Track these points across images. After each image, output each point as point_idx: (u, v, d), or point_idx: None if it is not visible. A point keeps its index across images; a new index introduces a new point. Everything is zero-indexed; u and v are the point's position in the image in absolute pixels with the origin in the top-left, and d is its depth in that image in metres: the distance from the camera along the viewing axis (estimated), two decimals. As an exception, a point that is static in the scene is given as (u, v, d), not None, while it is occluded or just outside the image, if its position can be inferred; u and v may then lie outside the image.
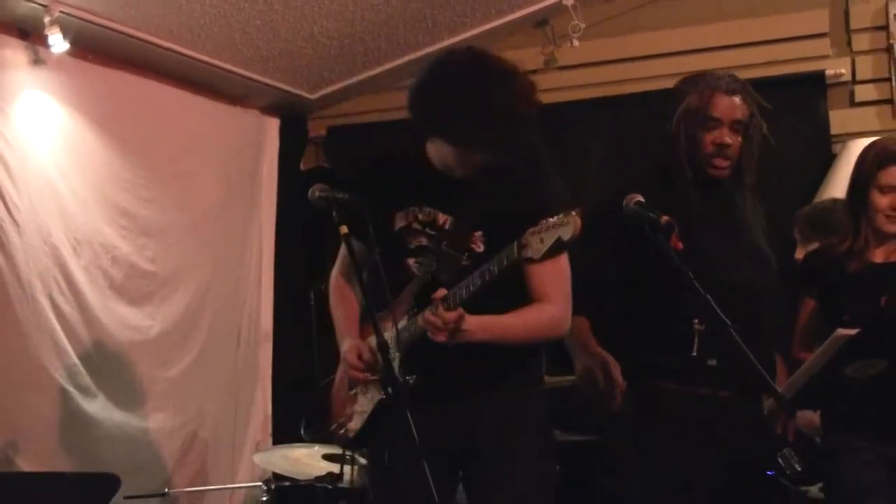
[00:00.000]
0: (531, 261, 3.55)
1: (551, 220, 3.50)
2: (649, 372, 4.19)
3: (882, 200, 4.39)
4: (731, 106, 4.25)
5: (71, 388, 5.49)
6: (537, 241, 3.52)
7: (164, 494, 5.75)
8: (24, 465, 5.13)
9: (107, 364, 5.75)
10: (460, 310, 3.61)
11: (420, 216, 3.95)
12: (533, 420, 4.09)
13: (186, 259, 6.41)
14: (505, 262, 3.57)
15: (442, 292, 3.64)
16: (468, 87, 3.74)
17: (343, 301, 4.19)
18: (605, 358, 4.15)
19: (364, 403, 4.00)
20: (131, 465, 5.69)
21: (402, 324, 3.81)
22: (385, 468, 3.92)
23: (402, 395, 3.53)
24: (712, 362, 4.02)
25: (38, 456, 5.24)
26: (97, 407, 5.65)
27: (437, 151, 3.93)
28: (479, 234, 3.88)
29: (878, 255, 4.42)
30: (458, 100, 3.74)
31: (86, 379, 5.58)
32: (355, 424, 4.02)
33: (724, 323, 3.56)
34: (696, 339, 4.04)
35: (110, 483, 4.58)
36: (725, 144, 4.21)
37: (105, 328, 5.75)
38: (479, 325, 3.71)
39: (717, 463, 4.08)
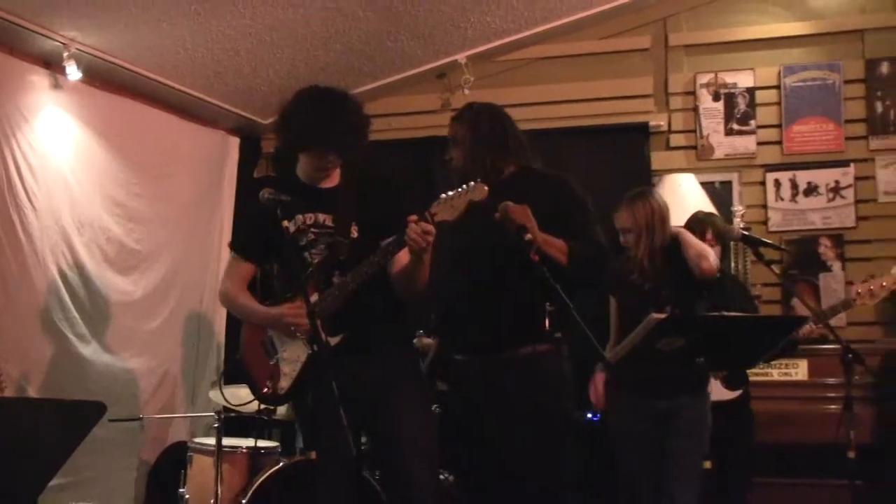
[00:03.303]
0: (448, 223, 3.64)
1: (461, 189, 3.64)
2: None
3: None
4: None
5: (71, 336, 5.50)
6: (448, 208, 3.65)
7: (139, 419, 5.72)
8: (33, 392, 5.10)
9: (99, 318, 5.75)
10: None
11: (306, 220, 3.97)
12: (418, 371, 4.19)
13: (164, 241, 6.38)
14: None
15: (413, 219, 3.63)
16: (319, 109, 3.88)
17: (246, 297, 4.11)
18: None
19: (290, 366, 3.95)
20: (115, 396, 5.66)
21: (314, 298, 3.79)
22: (308, 412, 3.98)
23: (324, 351, 3.52)
24: (558, 335, 3.94)
25: (44, 385, 5.24)
26: (90, 351, 5.64)
27: (304, 165, 4.02)
28: (353, 225, 3.94)
29: None
30: (313, 117, 3.86)
31: (83, 329, 5.58)
32: (286, 383, 3.94)
33: (568, 306, 3.57)
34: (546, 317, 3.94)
35: (98, 409, 4.56)
36: None
37: (99, 291, 5.74)
38: None
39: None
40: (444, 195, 3.70)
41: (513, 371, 3.94)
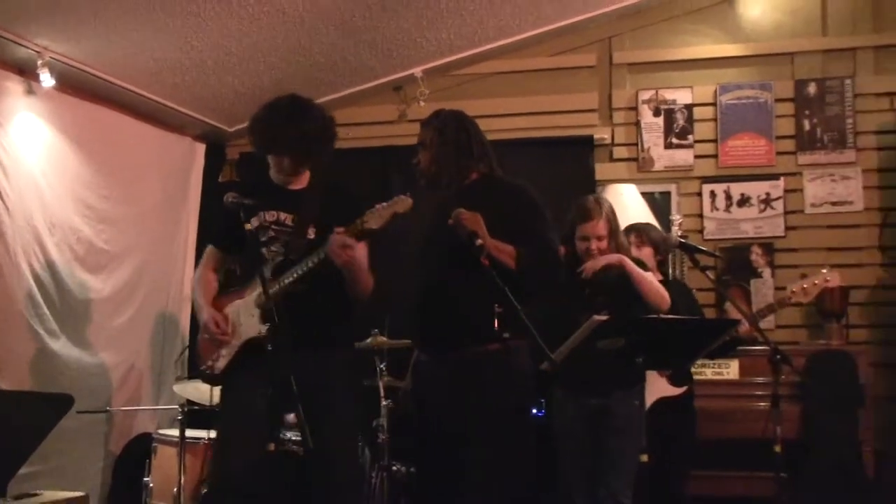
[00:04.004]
0: (374, 231, 3.77)
1: (386, 203, 3.76)
2: None
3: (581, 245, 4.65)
4: None
5: (41, 331, 5.44)
6: (378, 217, 3.75)
7: (106, 411, 5.75)
8: (4, 385, 5.05)
9: (69, 314, 5.69)
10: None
11: (268, 217, 4.05)
12: (350, 371, 4.21)
13: (131, 242, 6.33)
14: (354, 231, 3.77)
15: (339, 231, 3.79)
16: (278, 116, 4.02)
17: (206, 286, 4.21)
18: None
19: (228, 350, 4.05)
20: (84, 389, 5.60)
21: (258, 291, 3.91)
22: (234, 394, 4.07)
23: (272, 341, 3.60)
24: (506, 335, 3.79)
25: (15, 378, 5.18)
26: (60, 345, 5.58)
27: (275, 166, 4.13)
28: (312, 226, 4.01)
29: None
30: (271, 124, 4.02)
31: (53, 324, 5.52)
32: (221, 364, 4.05)
33: (515, 308, 3.57)
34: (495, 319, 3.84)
35: (67, 401, 4.55)
36: None
37: (69, 289, 5.69)
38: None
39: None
40: (375, 206, 3.80)
41: (464, 369, 3.92)
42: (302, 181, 4.17)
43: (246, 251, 4.05)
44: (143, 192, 6.51)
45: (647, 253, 5.19)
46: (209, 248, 4.37)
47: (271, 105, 4.10)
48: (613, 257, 4.62)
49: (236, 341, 4.04)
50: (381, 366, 5.63)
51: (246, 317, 4.05)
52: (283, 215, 4.06)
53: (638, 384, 4.64)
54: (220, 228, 4.28)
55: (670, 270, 6.24)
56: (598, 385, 4.53)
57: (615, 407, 4.56)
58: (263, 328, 3.79)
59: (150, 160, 6.60)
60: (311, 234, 4.01)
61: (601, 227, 4.67)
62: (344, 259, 3.80)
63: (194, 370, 4.64)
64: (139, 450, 5.79)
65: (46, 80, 5.30)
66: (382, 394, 5.53)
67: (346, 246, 3.76)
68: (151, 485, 5.29)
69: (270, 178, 4.18)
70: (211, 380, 4.24)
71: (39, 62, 5.24)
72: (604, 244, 4.67)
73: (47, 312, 5.51)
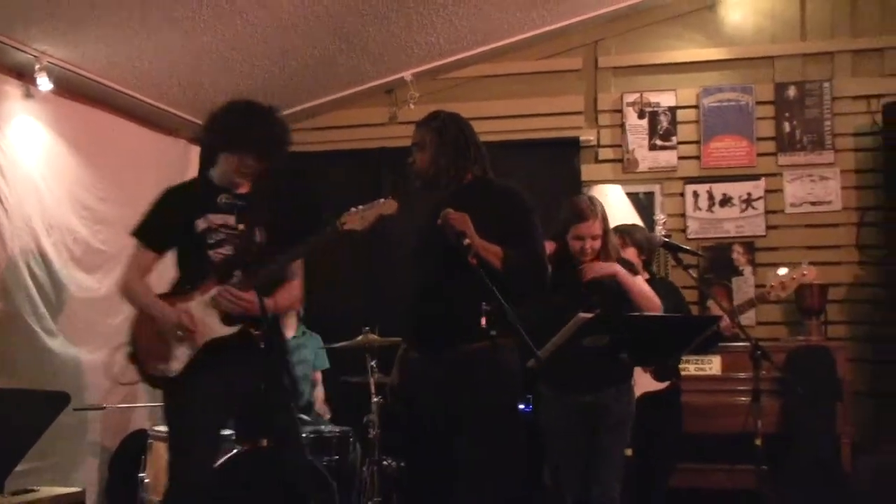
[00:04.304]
0: (356, 232, 3.78)
1: (363, 205, 3.79)
2: None
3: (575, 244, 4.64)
4: None
5: (39, 330, 5.39)
6: (359, 219, 3.76)
7: (102, 408, 5.69)
8: (2, 383, 4.98)
9: (66, 313, 5.65)
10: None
11: (216, 220, 4.00)
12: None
13: (128, 242, 6.03)
14: (330, 236, 3.80)
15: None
16: (244, 115, 4.01)
17: (146, 288, 4.10)
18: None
19: (185, 352, 3.95)
20: (80, 386, 5.59)
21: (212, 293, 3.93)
22: (197, 393, 3.95)
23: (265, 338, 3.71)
24: (494, 333, 3.70)
25: (12, 376, 5.12)
26: (57, 344, 5.54)
27: (224, 168, 4.08)
28: (259, 230, 4.01)
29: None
30: (240, 122, 3.99)
31: (50, 323, 5.47)
32: (177, 366, 3.93)
33: (503, 306, 3.55)
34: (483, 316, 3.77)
35: (63, 399, 4.54)
36: None
37: (66, 288, 5.65)
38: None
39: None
40: (355, 207, 3.81)
41: (453, 367, 3.89)
42: (247, 185, 4.11)
43: (192, 254, 4.03)
44: (139, 194, 6.38)
45: (630, 253, 5.19)
46: (139, 251, 4.17)
47: (236, 105, 4.07)
48: (608, 269, 4.62)
49: (200, 340, 3.96)
50: (372, 363, 5.64)
51: (203, 317, 3.98)
52: (230, 219, 4.01)
53: (628, 381, 4.64)
54: (156, 225, 4.15)
55: (654, 269, 6.25)
56: (587, 382, 4.50)
57: (610, 404, 4.54)
58: (228, 329, 3.87)
59: (146, 162, 6.55)
60: (260, 237, 4.01)
61: (596, 227, 4.65)
62: (237, 311, 3.85)
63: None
64: (135, 446, 5.76)
65: (44, 83, 5.27)
66: (373, 390, 5.53)
67: (236, 300, 3.84)
68: (147, 480, 5.27)
69: (213, 181, 4.13)
70: (165, 384, 4.05)
71: (37, 66, 5.22)
72: (598, 243, 4.65)
73: (45, 311, 5.47)
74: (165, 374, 3.97)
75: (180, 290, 4.05)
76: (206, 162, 4.20)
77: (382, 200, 3.80)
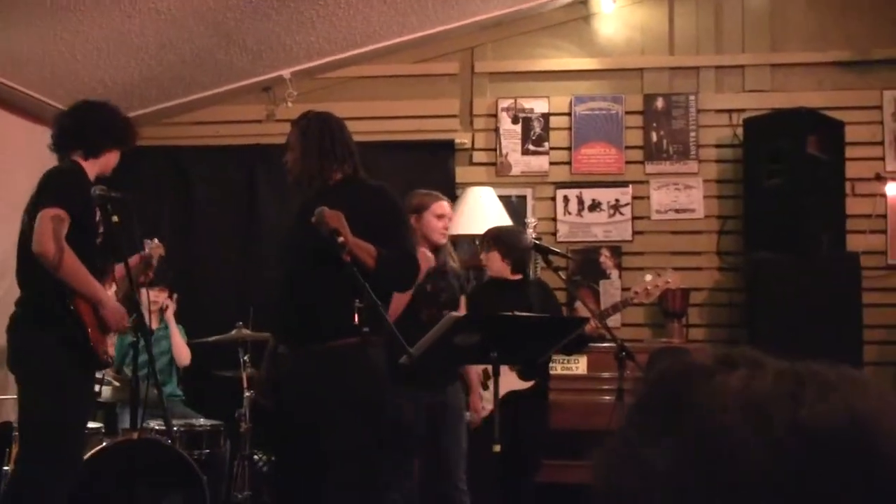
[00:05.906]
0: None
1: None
2: None
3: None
4: None
5: None
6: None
7: None
8: None
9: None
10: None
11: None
12: None
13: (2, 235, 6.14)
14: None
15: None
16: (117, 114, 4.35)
17: (86, 270, 4.05)
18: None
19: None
20: None
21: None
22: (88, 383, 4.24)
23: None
24: (366, 329, 3.76)
25: None
26: None
27: (101, 166, 4.34)
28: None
29: None
30: (124, 121, 4.39)
31: None
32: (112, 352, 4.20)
33: (375, 303, 3.62)
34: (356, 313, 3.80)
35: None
36: None
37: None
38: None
39: None
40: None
41: (323, 362, 3.92)
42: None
43: (101, 243, 4.19)
44: (11, 185, 6.28)
45: (493, 256, 5.29)
46: (63, 216, 4.00)
47: (108, 105, 4.39)
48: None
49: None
50: (244, 357, 5.63)
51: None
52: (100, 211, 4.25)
53: (459, 377, 4.79)
54: (82, 202, 4.13)
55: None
56: (434, 379, 4.60)
57: (449, 401, 4.69)
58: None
59: (17, 152, 6.38)
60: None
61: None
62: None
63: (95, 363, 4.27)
64: (-1, 439, 5.60)
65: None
66: (245, 384, 5.52)
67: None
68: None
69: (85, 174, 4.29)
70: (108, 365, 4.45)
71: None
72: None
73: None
74: (107, 361, 4.23)
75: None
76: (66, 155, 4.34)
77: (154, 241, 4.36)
